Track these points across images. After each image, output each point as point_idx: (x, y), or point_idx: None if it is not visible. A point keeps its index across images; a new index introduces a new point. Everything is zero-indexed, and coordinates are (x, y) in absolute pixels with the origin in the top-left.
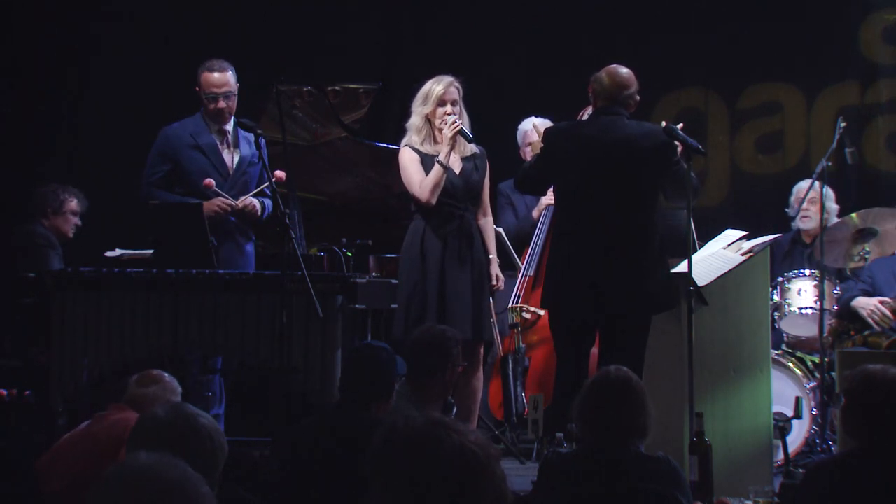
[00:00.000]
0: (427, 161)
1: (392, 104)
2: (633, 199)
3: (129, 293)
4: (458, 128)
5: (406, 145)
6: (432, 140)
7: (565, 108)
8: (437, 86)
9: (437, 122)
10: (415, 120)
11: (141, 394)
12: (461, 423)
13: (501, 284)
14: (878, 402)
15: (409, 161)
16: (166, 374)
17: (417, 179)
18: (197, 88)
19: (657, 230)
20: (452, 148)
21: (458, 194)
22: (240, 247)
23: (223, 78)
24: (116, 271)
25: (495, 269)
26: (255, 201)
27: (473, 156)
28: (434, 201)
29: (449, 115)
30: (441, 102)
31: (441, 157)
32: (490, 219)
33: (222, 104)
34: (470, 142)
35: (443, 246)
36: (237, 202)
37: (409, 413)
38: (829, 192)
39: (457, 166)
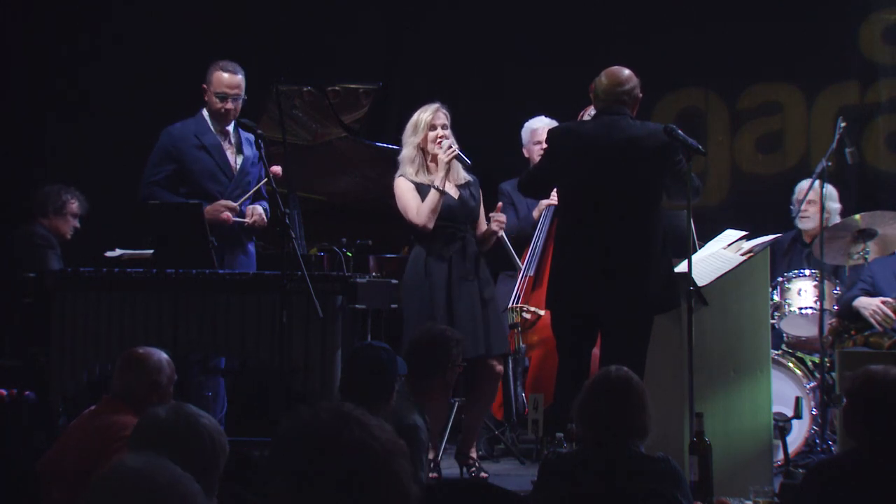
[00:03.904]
0: (423, 190)
1: (392, 104)
2: (636, 199)
3: (129, 293)
4: (455, 153)
5: (400, 176)
6: (426, 170)
7: (566, 108)
8: (423, 114)
9: (430, 147)
10: (407, 152)
11: (125, 383)
12: (371, 417)
13: (503, 218)
14: (879, 402)
15: (404, 190)
16: (153, 351)
17: (414, 206)
18: (204, 86)
19: (660, 230)
20: (448, 174)
21: (457, 217)
22: (245, 250)
23: (235, 80)
24: (116, 271)
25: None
26: (262, 212)
27: (468, 183)
28: (431, 226)
29: (442, 137)
30: (431, 128)
31: (437, 183)
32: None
33: (230, 105)
34: (467, 166)
35: (448, 268)
36: (247, 219)
37: (319, 405)
38: (833, 192)
39: (454, 192)
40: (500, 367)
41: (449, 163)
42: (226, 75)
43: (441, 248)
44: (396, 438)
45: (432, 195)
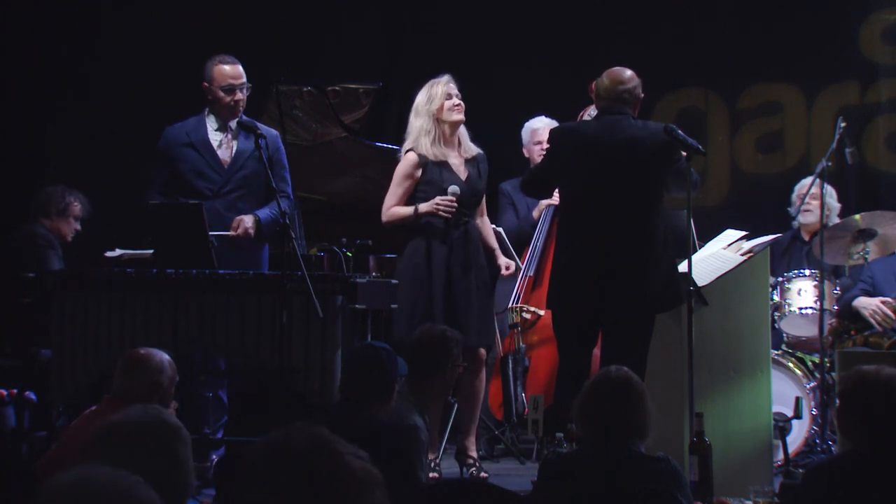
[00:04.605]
0: (430, 169)
1: (392, 104)
2: (638, 198)
3: (129, 293)
4: (450, 212)
5: (411, 149)
6: (442, 141)
7: (566, 108)
8: (438, 86)
9: (447, 115)
10: (421, 122)
11: (126, 384)
12: (346, 444)
13: (513, 268)
14: (872, 402)
15: (401, 176)
16: (155, 352)
17: (391, 202)
18: (205, 84)
19: (661, 229)
20: (432, 213)
21: (464, 201)
22: (252, 255)
23: (237, 70)
24: (116, 271)
25: (502, 260)
26: (250, 226)
27: (475, 158)
28: (387, 225)
29: (458, 106)
30: (447, 97)
31: (422, 207)
32: (486, 219)
33: (239, 96)
34: (450, 218)
35: (448, 252)
36: (231, 232)
37: (292, 427)
38: (831, 190)
39: (463, 172)
40: (482, 353)
41: (437, 211)
42: (227, 67)
43: (445, 231)
44: (370, 468)
45: (406, 214)
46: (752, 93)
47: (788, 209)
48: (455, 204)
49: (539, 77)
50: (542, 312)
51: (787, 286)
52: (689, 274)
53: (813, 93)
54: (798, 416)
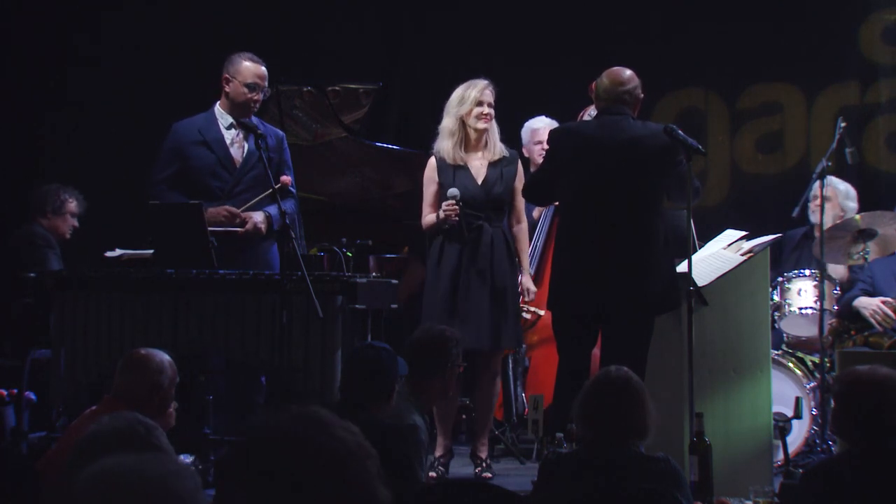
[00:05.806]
0: (448, 171)
1: (392, 104)
2: (638, 199)
3: (129, 293)
4: (453, 217)
5: (432, 154)
6: (462, 145)
7: (566, 108)
8: (472, 89)
9: (473, 122)
10: (447, 123)
11: (126, 384)
12: (338, 419)
13: (532, 297)
14: (867, 402)
15: (425, 181)
16: (155, 352)
17: (424, 209)
18: (226, 76)
19: (661, 230)
20: (444, 221)
21: (476, 204)
22: (263, 255)
23: (263, 71)
24: (116, 271)
25: (525, 281)
26: (260, 221)
27: (502, 160)
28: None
29: (486, 116)
30: (478, 104)
31: (441, 213)
32: (524, 226)
33: (259, 96)
34: (462, 235)
35: (458, 257)
36: (242, 228)
37: (280, 409)
38: (852, 192)
39: (480, 174)
40: (498, 357)
41: (446, 218)
42: (254, 65)
43: (456, 236)
44: (362, 441)
45: (431, 219)
46: (752, 93)
47: (808, 203)
48: (454, 206)
49: (539, 77)
50: (542, 312)
51: (787, 286)
52: (689, 274)
53: (813, 93)
54: (798, 416)
